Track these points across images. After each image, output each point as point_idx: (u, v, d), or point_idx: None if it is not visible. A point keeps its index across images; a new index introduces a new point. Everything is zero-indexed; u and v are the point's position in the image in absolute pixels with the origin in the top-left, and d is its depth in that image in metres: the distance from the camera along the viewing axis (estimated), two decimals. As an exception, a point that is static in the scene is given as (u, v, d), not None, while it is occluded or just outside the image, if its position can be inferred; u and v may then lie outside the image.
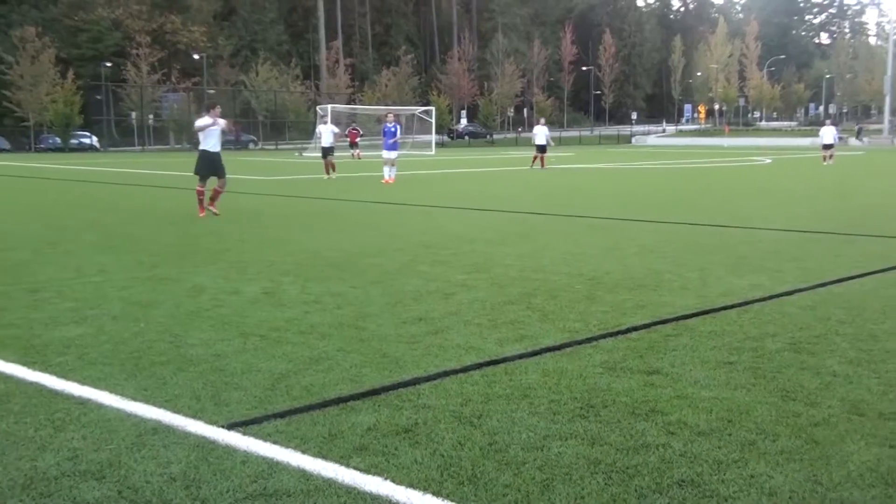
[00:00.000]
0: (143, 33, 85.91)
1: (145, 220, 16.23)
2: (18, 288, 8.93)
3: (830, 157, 42.33)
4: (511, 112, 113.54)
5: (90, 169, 40.32)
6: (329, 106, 62.46)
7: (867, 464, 4.19)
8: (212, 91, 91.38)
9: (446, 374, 5.69)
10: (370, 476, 4.01)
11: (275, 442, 4.44)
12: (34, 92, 72.73)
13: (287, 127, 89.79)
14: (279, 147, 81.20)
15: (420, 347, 6.38)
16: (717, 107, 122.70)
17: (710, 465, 4.15)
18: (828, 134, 43.23)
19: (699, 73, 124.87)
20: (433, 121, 68.78)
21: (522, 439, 4.49)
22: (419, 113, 69.91)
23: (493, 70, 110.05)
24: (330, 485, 3.93)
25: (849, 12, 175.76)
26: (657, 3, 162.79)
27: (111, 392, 5.30)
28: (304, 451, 4.31)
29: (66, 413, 4.93)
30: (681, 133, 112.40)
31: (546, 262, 10.70)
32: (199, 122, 16.92)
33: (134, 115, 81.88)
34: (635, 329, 6.97)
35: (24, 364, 5.93)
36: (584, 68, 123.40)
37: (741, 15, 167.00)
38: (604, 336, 6.74)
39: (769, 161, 46.57)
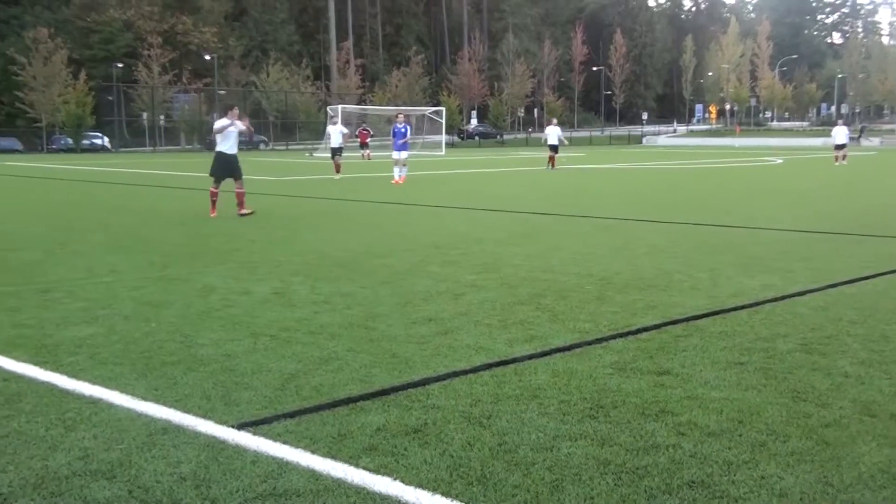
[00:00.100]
0: (154, 34, 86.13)
1: (156, 221, 16.27)
2: (30, 288, 8.96)
3: (844, 157, 42.15)
4: (521, 112, 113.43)
5: (101, 169, 40.45)
6: (339, 106, 62.55)
7: (878, 465, 4.17)
8: (222, 92, 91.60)
9: (456, 374, 5.69)
10: (379, 476, 4.01)
11: (284, 442, 4.45)
12: (46, 93, 72.99)
13: (298, 127, 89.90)
14: (289, 147, 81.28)
15: (430, 348, 6.38)
16: (728, 107, 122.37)
17: (720, 466, 4.14)
18: (840, 134, 43.08)
19: (710, 73, 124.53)
20: (443, 121, 68.78)
21: (532, 440, 4.49)
22: (429, 113, 69.97)
23: (504, 70, 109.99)
24: (339, 485, 3.93)
25: (861, 12, 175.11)
26: (668, 3, 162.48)
27: (122, 392, 5.31)
28: (313, 451, 4.31)
29: (77, 412, 4.94)
30: (692, 133, 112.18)
31: (556, 262, 10.69)
32: (218, 124, 16.92)
33: (145, 115, 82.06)
34: (645, 329, 6.95)
35: (36, 364, 5.95)
36: (594, 68, 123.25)
37: (753, 15, 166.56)
38: (614, 336, 6.73)
39: (780, 161, 46.44)
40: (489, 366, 5.89)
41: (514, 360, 6.01)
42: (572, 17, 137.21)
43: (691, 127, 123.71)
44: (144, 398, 5.19)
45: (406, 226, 15.38)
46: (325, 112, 65.13)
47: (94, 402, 5.15)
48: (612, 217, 16.30)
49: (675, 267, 10.24)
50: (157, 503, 3.78)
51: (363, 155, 50.43)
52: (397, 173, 27.60)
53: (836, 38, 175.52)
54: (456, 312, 7.64)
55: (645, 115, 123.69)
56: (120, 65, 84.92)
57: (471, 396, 5.23)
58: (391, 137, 28.89)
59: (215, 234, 13.89)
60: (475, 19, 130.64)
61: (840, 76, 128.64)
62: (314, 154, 58.91)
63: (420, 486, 3.92)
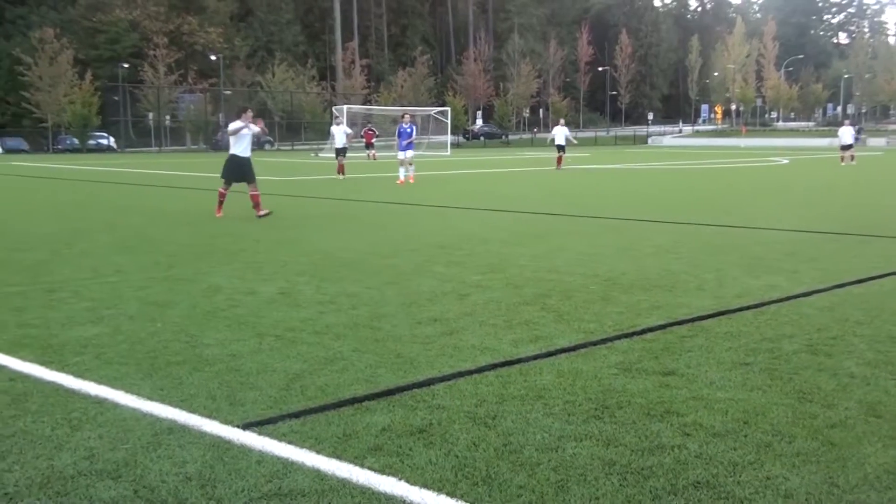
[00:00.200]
0: (160, 34, 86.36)
1: (161, 221, 16.29)
2: (36, 288, 8.98)
3: (852, 157, 42.04)
4: (527, 113, 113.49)
5: (107, 170, 40.51)
6: (345, 107, 62.67)
7: (884, 466, 4.16)
8: (228, 92, 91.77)
9: (461, 374, 5.69)
10: (384, 476, 4.01)
11: (290, 442, 4.45)
12: (52, 93, 73.20)
13: (303, 128, 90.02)
14: (295, 148, 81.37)
15: (435, 348, 6.38)
16: (734, 107, 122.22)
17: (725, 467, 4.14)
18: (846, 134, 42.99)
19: (716, 74, 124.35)
20: (449, 121, 68.78)
21: (537, 440, 4.49)
22: (435, 113, 69.98)
23: (509, 70, 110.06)
24: (344, 485, 3.93)
25: (868, 12, 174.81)
26: (674, 3, 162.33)
27: (127, 392, 5.32)
28: (318, 452, 4.31)
29: (82, 412, 4.95)
30: (697, 133, 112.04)
31: (561, 262, 10.68)
32: (232, 127, 16.88)
33: (151, 115, 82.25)
34: (651, 330, 6.95)
35: (42, 363, 5.96)
36: (600, 69, 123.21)
37: (759, 15, 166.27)
38: (619, 337, 6.72)
39: (786, 161, 46.38)
40: (494, 366, 5.89)
41: (519, 361, 6.01)
42: (578, 17, 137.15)
43: (697, 127, 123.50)
44: (150, 398, 5.19)
45: (411, 226, 15.38)
46: (331, 112, 65.18)
47: (100, 401, 5.15)
48: (618, 217, 16.29)
49: (681, 267, 10.23)
50: (163, 503, 3.79)
51: (369, 155, 50.46)
52: (402, 173, 27.56)
53: (843, 38, 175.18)
54: (461, 313, 7.64)
55: (650, 116, 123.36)
56: (126, 65, 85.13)
57: (476, 397, 5.23)
58: (396, 137, 28.81)
59: (221, 235, 13.91)
60: (481, 19, 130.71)
61: (846, 76, 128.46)
62: (319, 154, 58.96)
63: (425, 486, 3.92)
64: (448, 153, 62.49)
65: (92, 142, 75.85)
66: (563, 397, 5.20)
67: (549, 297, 8.39)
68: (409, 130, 28.15)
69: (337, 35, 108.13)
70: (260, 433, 4.58)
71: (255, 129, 17.04)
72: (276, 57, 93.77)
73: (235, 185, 17.05)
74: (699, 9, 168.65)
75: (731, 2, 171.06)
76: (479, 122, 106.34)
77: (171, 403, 5.09)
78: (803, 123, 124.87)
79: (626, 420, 4.80)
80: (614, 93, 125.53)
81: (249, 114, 17.16)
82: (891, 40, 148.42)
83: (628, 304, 8.04)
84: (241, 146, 16.84)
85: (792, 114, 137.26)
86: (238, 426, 4.68)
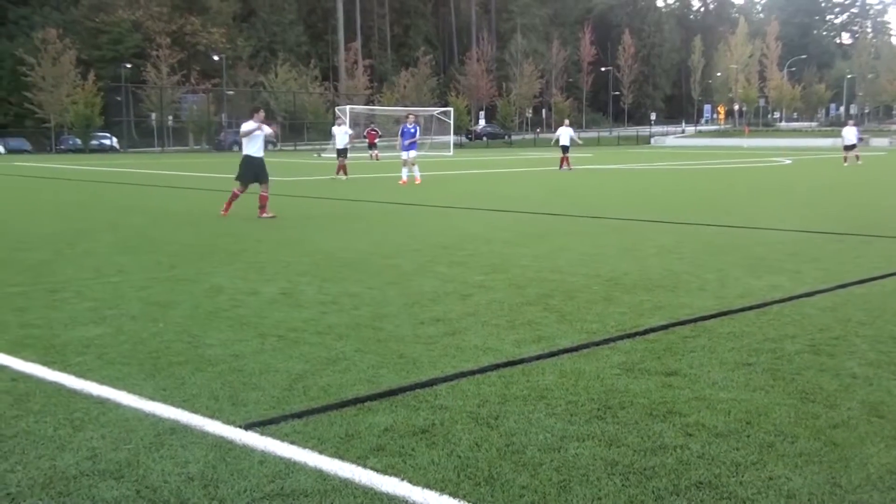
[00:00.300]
0: (162, 35, 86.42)
1: (163, 221, 16.30)
2: (38, 288, 8.99)
3: (856, 157, 41.93)
4: (529, 113, 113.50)
5: (110, 170, 40.54)
6: (347, 107, 62.66)
7: (887, 466, 4.16)
8: (231, 92, 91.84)
9: (463, 374, 5.69)
10: (387, 477, 4.01)
11: (292, 442, 4.45)
12: (55, 93, 73.27)
13: (306, 128, 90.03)
14: (297, 148, 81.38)
15: (437, 348, 6.38)
16: (736, 107, 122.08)
17: (728, 467, 4.14)
18: (850, 134, 42.92)
19: (719, 74, 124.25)
20: (451, 122, 68.77)
21: (539, 440, 4.49)
22: (437, 114, 69.96)
23: (512, 71, 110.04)
24: (347, 485, 3.93)
25: (871, 12, 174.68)
26: (677, 4, 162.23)
27: (130, 392, 5.32)
28: (321, 452, 4.31)
29: (85, 413, 4.95)
30: (700, 134, 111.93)
31: (563, 262, 10.68)
32: (245, 128, 16.86)
33: (153, 116, 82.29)
34: (653, 330, 6.95)
35: (44, 364, 5.97)
36: (602, 69, 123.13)
37: (762, 15, 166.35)
38: (621, 337, 6.72)
39: (789, 162, 46.35)
40: (497, 366, 5.89)
41: (521, 361, 6.01)
42: (581, 17, 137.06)
43: (700, 127, 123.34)
44: (152, 398, 5.20)
45: (414, 226, 15.38)
46: (334, 113, 65.21)
47: (102, 402, 5.16)
48: (621, 217, 16.29)
49: (683, 268, 10.23)
50: (165, 503, 3.79)
51: (371, 155, 50.44)
52: (405, 173, 27.48)
53: (846, 38, 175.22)
54: (464, 313, 7.64)
55: (653, 116, 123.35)
56: (128, 65, 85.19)
57: (478, 397, 5.23)
58: (399, 137, 28.73)
59: (223, 235, 13.91)
60: (483, 20, 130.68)
61: (849, 76, 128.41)
62: (322, 155, 58.94)
63: (427, 486, 3.92)
64: (451, 153, 62.48)
65: (94, 142, 75.91)
66: (566, 397, 5.20)
67: (552, 297, 8.39)
68: (412, 130, 28.05)
69: (340, 35, 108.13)
70: (262, 433, 4.58)
71: (268, 130, 17.09)
72: (278, 57, 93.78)
73: (254, 186, 17.00)
74: (702, 9, 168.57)
75: (733, 2, 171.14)
76: (482, 122, 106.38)
77: (173, 404, 5.09)
78: (806, 124, 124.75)
79: (629, 420, 4.80)
80: (617, 93, 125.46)
81: (262, 114, 17.19)
82: (894, 40, 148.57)
83: (631, 304, 8.04)
84: (254, 146, 16.86)
85: (795, 114, 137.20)
86: (240, 426, 4.68)
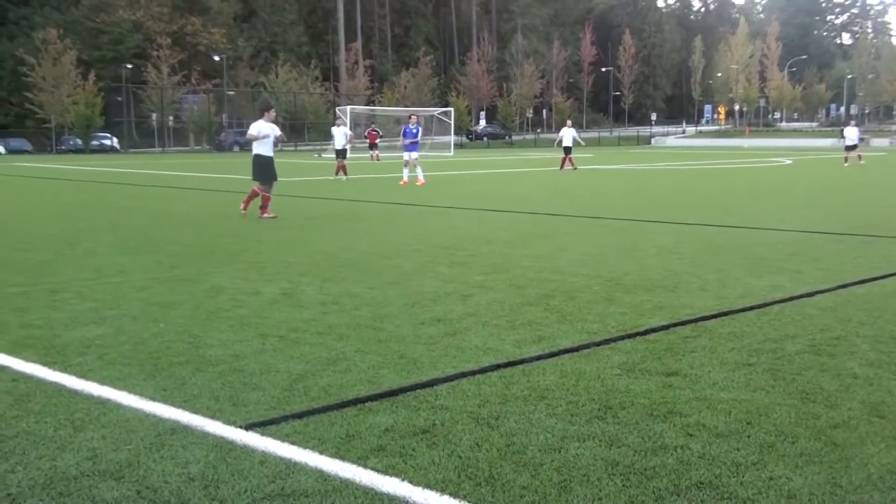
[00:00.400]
0: (163, 35, 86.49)
1: (164, 221, 16.31)
2: (39, 288, 8.99)
3: (859, 157, 41.86)
4: (530, 113, 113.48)
5: (110, 170, 40.55)
6: (348, 107, 62.65)
7: (887, 466, 4.16)
8: (231, 93, 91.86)
9: (464, 375, 5.69)
10: (388, 477, 4.01)
11: (293, 442, 4.45)
12: (56, 94, 73.34)
13: (306, 128, 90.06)
14: (298, 148, 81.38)
15: (438, 348, 6.38)
16: (737, 107, 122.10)
17: (728, 467, 4.13)
18: (852, 134, 42.87)
19: (719, 74, 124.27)
20: (452, 122, 68.78)
21: (540, 441, 4.48)
22: (438, 114, 69.96)
23: (513, 71, 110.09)
24: (347, 485, 3.93)
25: (871, 12, 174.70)
26: (677, 4, 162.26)
27: (130, 392, 5.33)
28: (321, 452, 4.31)
29: (85, 413, 4.95)
30: (700, 134, 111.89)
31: (564, 263, 10.68)
32: (253, 131, 16.87)
33: (154, 116, 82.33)
34: (654, 330, 6.94)
35: (45, 364, 5.97)
36: (603, 69, 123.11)
37: (762, 15, 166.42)
38: (622, 337, 6.72)
39: (790, 162, 46.34)
40: (497, 366, 5.89)
41: (522, 361, 6.01)
42: (581, 17, 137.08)
43: (700, 128, 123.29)
44: (153, 399, 5.20)
45: (414, 227, 15.38)
46: (334, 113, 65.27)
47: (103, 402, 5.16)
48: (621, 218, 16.28)
49: (684, 268, 10.23)
50: (166, 503, 3.79)
51: (372, 156, 50.44)
52: (406, 174, 27.44)
53: (846, 38, 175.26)
54: (464, 313, 7.64)
55: (654, 116, 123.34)
56: (129, 66, 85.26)
57: (479, 397, 5.23)
58: (401, 137, 28.68)
59: (224, 235, 13.92)
60: (484, 20, 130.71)
61: (849, 77, 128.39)
62: (322, 155, 58.94)
63: (428, 486, 3.92)
64: (451, 154, 62.50)
65: (95, 142, 75.98)
66: (567, 398, 5.20)
67: (553, 297, 8.39)
68: (413, 131, 27.95)
69: (340, 36, 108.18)
70: (263, 434, 4.58)
71: (278, 131, 17.16)
72: (279, 58, 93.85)
73: (248, 184, 16.97)
74: (702, 9, 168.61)
75: (734, 2, 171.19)
76: (483, 122, 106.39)
77: (174, 404, 5.09)
78: (806, 124, 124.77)
79: (630, 420, 4.80)
80: (617, 93, 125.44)
81: (273, 113, 17.22)
82: (894, 41, 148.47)
83: (631, 304, 8.04)
84: (265, 146, 16.90)
85: (795, 114, 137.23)
86: (241, 427, 4.68)
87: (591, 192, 24.59)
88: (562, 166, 37.37)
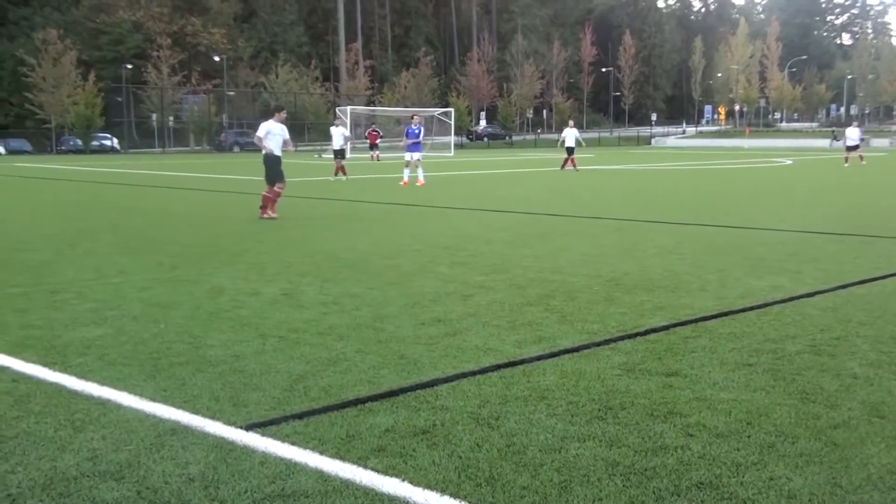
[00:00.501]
0: (163, 35, 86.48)
1: (164, 222, 16.31)
2: (39, 289, 8.99)
3: (860, 157, 41.81)
4: (530, 113, 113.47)
5: (111, 170, 40.56)
6: (348, 108, 62.63)
7: (888, 466, 4.16)
8: (231, 93, 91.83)
9: (464, 375, 5.69)
10: (388, 477, 4.01)
11: (293, 443, 4.45)
12: (56, 94, 73.36)
13: (306, 129, 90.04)
14: (298, 149, 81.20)
15: (438, 349, 6.38)
16: (737, 108, 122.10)
17: (728, 468, 4.13)
18: (853, 134, 42.85)
19: (719, 74, 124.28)
20: (452, 122, 68.77)
21: (540, 441, 4.49)
22: (438, 114, 69.95)
23: (513, 71, 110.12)
24: (348, 486, 3.94)
25: (871, 13, 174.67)
26: (677, 4, 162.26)
27: (130, 393, 5.32)
28: (322, 453, 4.31)
29: (85, 413, 4.95)
30: (701, 134, 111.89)
31: (564, 263, 10.68)
32: (263, 130, 16.86)
33: (154, 116, 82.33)
34: (654, 331, 6.94)
35: (45, 364, 5.97)
36: (603, 69, 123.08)
37: (762, 16, 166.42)
38: (622, 338, 6.72)
39: (790, 162, 46.34)
40: (498, 367, 5.89)
41: (522, 362, 6.01)
42: (581, 17, 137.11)
43: (700, 128, 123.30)
44: (153, 399, 5.20)
45: (414, 227, 15.38)
46: (334, 113, 65.29)
47: (103, 403, 5.16)
48: (621, 218, 16.28)
49: (684, 268, 10.22)
50: (166, 504, 3.79)
51: (372, 156, 50.42)
52: (407, 174, 27.38)
53: (846, 38, 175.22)
54: (464, 313, 7.64)
55: (654, 116, 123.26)
56: (129, 66, 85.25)
57: (479, 397, 5.23)
58: (404, 138, 28.62)
59: (224, 235, 13.92)
60: (484, 20, 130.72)
61: (849, 77, 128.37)
62: (322, 156, 58.93)
63: (428, 487, 3.92)
64: (451, 154, 62.50)
65: (95, 143, 75.97)
66: (567, 398, 5.20)
67: (553, 297, 8.39)
68: (416, 131, 27.86)
69: (340, 36, 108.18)
70: (263, 434, 4.58)
71: (287, 135, 17.25)
72: (279, 58, 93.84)
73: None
74: (702, 10, 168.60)
75: (734, 3, 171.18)
76: (483, 122, 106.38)
77: (174, 404, 5.09)
78: (806, 124, 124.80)
79: (630, 421, 4.80)
80: (618, 94, 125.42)
81: (283, 114, 17.28)
82: (894, 41, 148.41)
83: (631, 304, 8.04)
84: (273, 144, 16.91)
85: (795, 114, 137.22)
86: (241, 427, 4.68)
87: (591, 193, 24.58)
88: (563, 166, 37.39)
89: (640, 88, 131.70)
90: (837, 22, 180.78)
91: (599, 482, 3.97)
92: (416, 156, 27.48)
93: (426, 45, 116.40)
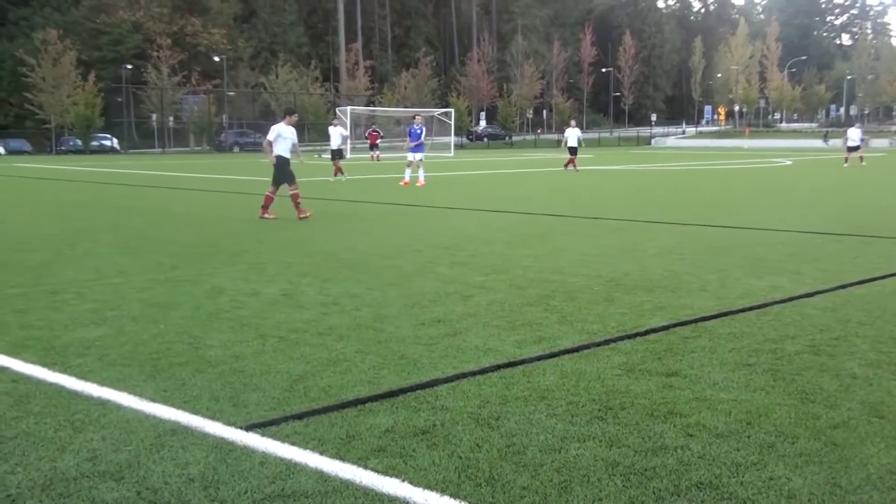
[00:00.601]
0: (163, 35, 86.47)
1: (164, 222, 16.31)
2: (39, 289, 8.98)
3: (860, 158, 41.76)
4: (530, 114, 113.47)
5: (110, 171, 40.54)
6: (348, 108, 62.61)
7: (887, 466, 4.16)
8: (231, 93, 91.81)
9: (464, 375, 5.69)
10: (388, 478, 4.02)
11: (293, 443, 4.45)
12: (56, 94, 73.35)
13: (306, 129, 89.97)
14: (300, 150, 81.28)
15: (438, 349, 6.38)
16: (737, 108, 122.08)
17: (728, 468, 4.14)
18: (855, 135, 42.81)
19: (719, 75, 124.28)
20: (452, 122, 68.75)
21: (540, 441, 4.49)
22: (438, 115, 69.93)
23: (513, 72, 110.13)
24: (347, 486, 3.94)
25: (871, 13, 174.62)
26: (677, 5, 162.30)
27: (130, 393, 5.32)
28: (321, 453, 4.31)
29: (85, 414, 4.95)
30: (700, 135, 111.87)
31: (564, 263, 10.68)
32: (271, 136, 16.86)
33: (154, 117, 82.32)
34: (654, 331, 6.94)
35: (45, 365, 5.97)
36: (603, 70, 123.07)
37: (762, 16, 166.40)
38: (622, 338, 6.72)
39: (789, 163, 46.34)
40: (498, 367, 5.89)
41: (522, 362, 6.01)
42: (581, 18, 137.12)
43: (700, 128, 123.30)
44: (153, 399, 5.20)
45: (414, 227, 15.38)
46: (334, 113, 65.24)
47: (103, 403, 5.16)
48: (621, 218, 16.28)
49: (684, 268, 10.22)
50: (166, 504, 3.79)
51: (373, 156, 50.41)
52: (408, 174, 27.34)
53: (846, 39, 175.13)
54: (464, 314, 7.64)
55: (654, 117, 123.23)
56: (129, 66, 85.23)
57: (479, 398, 5.23)
58: (407, 139, 28.58)
59: (224, 236, 13.92)
60: (484, 21, 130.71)
61: (849, 77, 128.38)
62: (322, 156, 58.88)
63: (428, 487, 3.92)
64: (451, 154, 62.49)
65: (95, 143, 75.98)
66: (567, 398, 5.20)
67: (553, 298, 8.39)
68: (418, 131, 27.78)
69: (340, 36, 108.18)
70: (263, 434, 4.58)
71: (296, 139, 17.25)
72: (279, 58, 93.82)
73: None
74: (702, 10, 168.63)
75: (734, 3, 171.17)
76: (483, 123, 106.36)
77: (174, 405, 5.09)
78: (806, 125, 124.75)
79: (630, 421, 4.80)
80: (618, 94, 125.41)
81: (295, 117, 17.32)
82: (894, 42, 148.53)
83: (631, 305, 8.04)
84: (282, 147, 16.91)
85: (795, 115, 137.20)
86: (241, 427, 4.68)
87: (591, 193, 24.58)
88: (566, 166, 37.41)
89: (639, 89, 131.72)
90: (837, 22, 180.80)
91: (599, 482, 3.97)
92: (419, 156, 27.46)
93: (426, 45, 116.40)
